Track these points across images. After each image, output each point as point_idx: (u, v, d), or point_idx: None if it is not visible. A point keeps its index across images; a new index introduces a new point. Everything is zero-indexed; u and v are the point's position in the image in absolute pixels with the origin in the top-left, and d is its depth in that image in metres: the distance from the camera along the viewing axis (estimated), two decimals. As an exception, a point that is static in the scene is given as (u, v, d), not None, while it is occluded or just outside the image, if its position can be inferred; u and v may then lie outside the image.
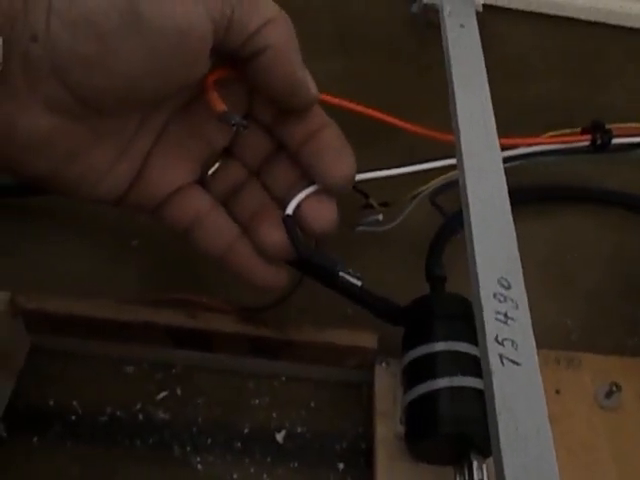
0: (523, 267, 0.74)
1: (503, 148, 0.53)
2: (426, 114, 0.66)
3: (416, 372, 0.58)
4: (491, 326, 0.38)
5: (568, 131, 0.63)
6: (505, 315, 0.39)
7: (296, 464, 0.63)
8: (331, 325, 0.64)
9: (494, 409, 0.35)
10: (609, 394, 0.65)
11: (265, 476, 0.62)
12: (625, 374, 0.67)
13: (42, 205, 0.69)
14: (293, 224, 0.49)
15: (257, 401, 0.66)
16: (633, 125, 0.63)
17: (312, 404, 0.66)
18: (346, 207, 0.67)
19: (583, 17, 0.63)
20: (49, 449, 0.61)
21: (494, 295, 0.40)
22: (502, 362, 0.37)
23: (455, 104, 0.51)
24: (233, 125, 0.44)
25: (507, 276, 0.41)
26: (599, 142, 0.63)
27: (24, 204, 0.68)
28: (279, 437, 0.64)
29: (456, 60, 0.53)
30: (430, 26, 0.62)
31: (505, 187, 0.46)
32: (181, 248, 0.72)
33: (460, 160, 0.47)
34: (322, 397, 0.67)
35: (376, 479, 0.58)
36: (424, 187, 0.65)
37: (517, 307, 0.39)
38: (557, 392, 0.66)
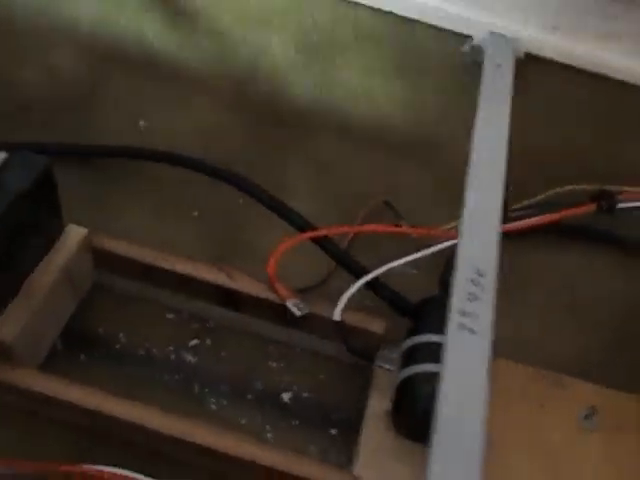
0: (539, 295, 0.80)
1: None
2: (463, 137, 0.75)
3: (410, 357, 0.66)
4: (460, 301, 0.47)
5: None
6: (474, 296, 0.47)
7: (297, 422, 0.72)
8: (349, 307, 0.72)
9: (445, 365, 0.44)
10: (588, 417, 0.71)
11: (268, 427, 0.71)
12: (608, 403, 0.72)
13: (133, 170, 0.81)
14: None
15: (274, 364, 0.75)
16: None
17: (321, 376, 0.75)
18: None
19: (612, 74, 0.70)
20: (93, 367, 0.72)
21: (470, 279, 0.48)
22: (461, 329, 0.45)
23: (475, 134, 0.59)
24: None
25: (483, 267, 0.49)
26: (605, 208, 0.71)
27: (122, 165, 0.80)
28: (286, 397, 0.73)
29: (485, 94, 0.62)
30: (476, 64, 0.71)
31: (499, 207, 0.54)
32: (233, 221, 0.83)
33: (468, 180, 0.56)
34: (331, 372, 0.76)
35: (359, 445, 0.66)
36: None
37: (486, 291, 0.47)
38: (541, 406, 0.72)
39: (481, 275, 0.48)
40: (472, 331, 0.45)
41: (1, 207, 0.58)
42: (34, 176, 0.61)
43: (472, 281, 0.48)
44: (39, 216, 0.64)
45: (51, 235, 0.68)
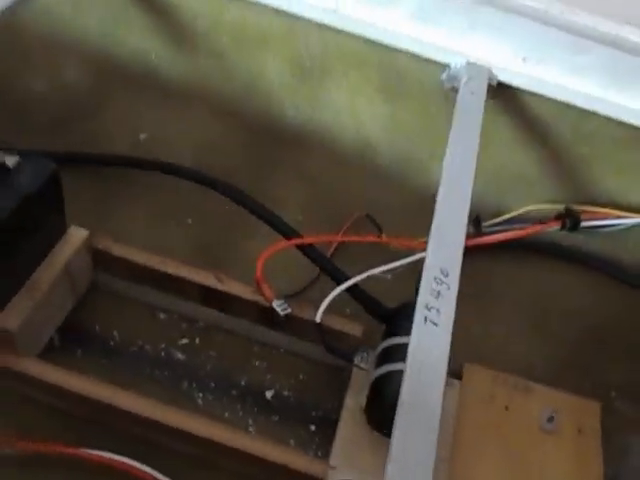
0: (507, 305, 0.86)
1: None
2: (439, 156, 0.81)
3: (383, 357, 0.71)
4: (425, 297, 0.52)
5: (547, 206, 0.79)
6: (438, 293, 0.52)
7: (277, 418, 0.76)
8: (330, 313, 0.78)
9: (411, 351, 0.49)
10: (550, 419, 0.76)
11: (250, 421, 0.76)
12: (569, 408, 0.78)
13: (132, 179, 0.87)
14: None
15: (257, 363, 0.80)
16: (600, 210, 0.78)
17: (301, 376, 0.80)
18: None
19: (578, 103, 0.76)
20: (88, 362, 0.77)
21: (434, 278, 0.53)
22: (425, 321, 0.51)
23: (447, 153, 0.65)
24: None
25: (448, 268, 0.54)
26: (569, 226, 0.78)
27: (122, 174, 0.86)
28: (268, 394, 0.78)
29: (458, 118, 0.68)
30: (453, 90, 0.77)
31: (465, 217, 0.60)
32: (224, 229, 0.89)
33: (439, 193, 0.61)
34: (311, 372, 0.81)
35: (335, 439, 0.71)
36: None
37: (449, 288, 0.53)
38: (506, 408, 0.77)
39: (446, 275, 0.54)
40: (435, 324, 0.50)
41: (11, 206, 0.63)
42: (43, 179, 0.66)
43: (437, 280, 0.53)
44: (45, 216, 0.70)
45: (55, 235, 0.73)
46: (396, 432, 0.46)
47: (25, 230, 0.67)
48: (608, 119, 0.77)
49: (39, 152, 0.74)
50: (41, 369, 0.68)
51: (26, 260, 0.69)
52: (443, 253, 0.55)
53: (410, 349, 0.48)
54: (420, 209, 0.73)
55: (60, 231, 0.74)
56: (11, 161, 0.65)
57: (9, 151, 0.67)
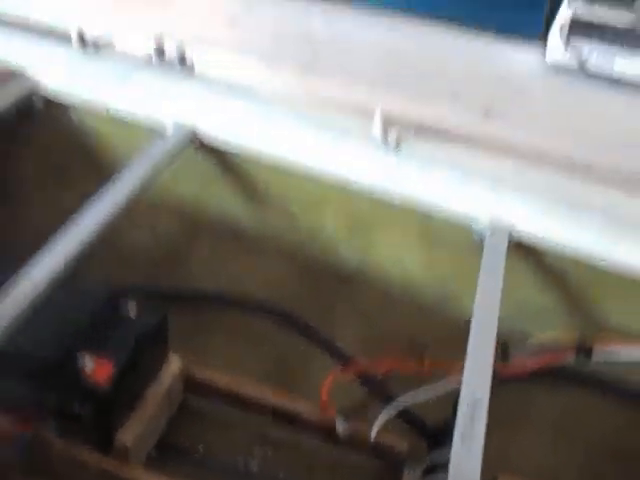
0: (535, 426, 0.98)
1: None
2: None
3: (428, 471, 0.85)
4: (462, 420, 0.66)
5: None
6: (472, 416, 0.67)
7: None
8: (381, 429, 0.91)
9: (451, 466, 0.63)
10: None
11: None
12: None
13: (211, 312, 1.06)
14: None
15: (321, 474, 0.94)
16: (611, 338, 0.91)
17: (356, 485, 0.93)
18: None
19: (586, 254, 0.92)
20: (179, 472, 0.91)
21: (467, 404, 0.68)
22: (462, 442, 0.65)
23: (476, 297, 0.81)
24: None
25: (479, 395, 0.69)
26: (583, 355, 0.91)
27: (207, 307, 1.05)
28: (327, 499, 0.92)
29: (485, 269, 0.85)
30: (481, 241, 0.95)
31: (492, 347, 0.75)
32: (290, 354, 1.04)
33: (471, 328, 0.77)
34: (366, 480, 0.94)
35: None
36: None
37: (481, 413, 0.67)
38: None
39: (478, 400, 0.68)
40: (470, 441, 0.64)
41: (132, 345, 0.81)
42: (156, 320, 0.84)
43: (471, 406, 0.68)
44: (155, 350, 0.87)
45: (160, 363, 0.90)
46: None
47: (141, 362, 0.84)
48: (613, 266, 0.92)
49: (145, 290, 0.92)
50: (149, 477, 0.82)
51: (140, 385, 0.86)
52: (474, 383, 0.70)
53: (451, 465, 0.63)
54: (457, 335, 0.89)
55: (163, 360, 0.91)
56: (133, 312, 0.83)
57: (126, 298, 0.86)
